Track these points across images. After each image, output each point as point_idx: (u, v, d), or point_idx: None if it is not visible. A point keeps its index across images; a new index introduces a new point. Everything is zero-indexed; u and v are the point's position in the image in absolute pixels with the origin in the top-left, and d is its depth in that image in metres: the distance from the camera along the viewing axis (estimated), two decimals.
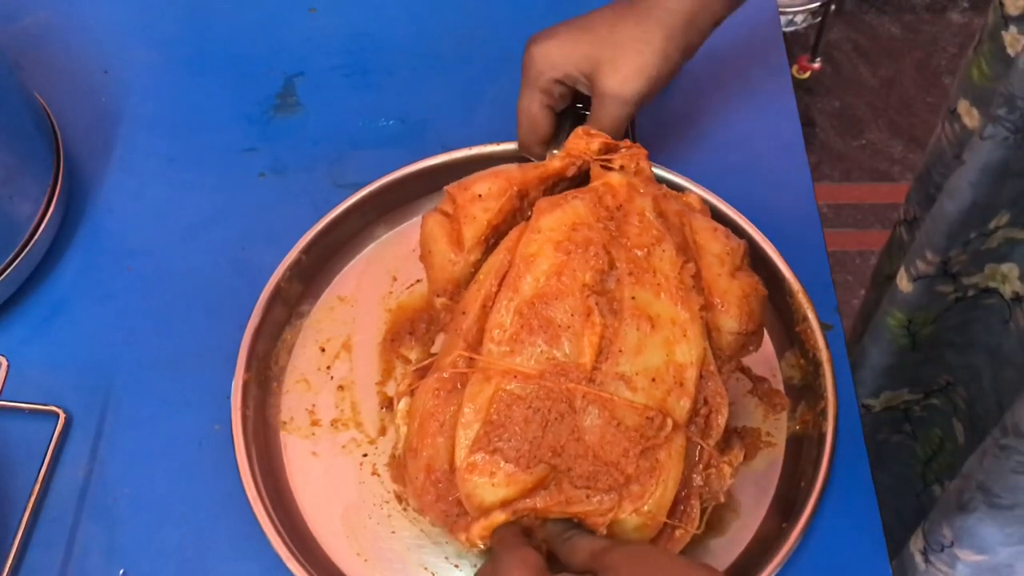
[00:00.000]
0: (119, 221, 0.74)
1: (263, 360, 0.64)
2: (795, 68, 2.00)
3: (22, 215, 0.66)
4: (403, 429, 0.55)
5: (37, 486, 0.59)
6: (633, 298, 0.52)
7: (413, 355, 0.66)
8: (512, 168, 0.60)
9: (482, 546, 0.51)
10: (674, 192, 0.59)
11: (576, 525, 0.50)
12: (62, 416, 0.62)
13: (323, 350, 0.67)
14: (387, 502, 0.60)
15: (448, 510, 0.52)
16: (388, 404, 0.64)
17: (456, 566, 0.58)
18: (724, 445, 0.55)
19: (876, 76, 2.07)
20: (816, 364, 0.62)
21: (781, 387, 0.65)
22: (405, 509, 0.60)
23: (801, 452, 0.61)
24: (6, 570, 0.56)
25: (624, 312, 0.52)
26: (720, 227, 0.58)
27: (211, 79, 0.82)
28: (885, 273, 0.81)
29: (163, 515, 0.60)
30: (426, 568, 0.58)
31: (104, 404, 0.64)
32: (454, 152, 0.71)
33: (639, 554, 0.45)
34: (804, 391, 0.64)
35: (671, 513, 0.51)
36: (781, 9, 1.77)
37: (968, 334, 0.69)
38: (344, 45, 0.84)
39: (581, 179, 0.61)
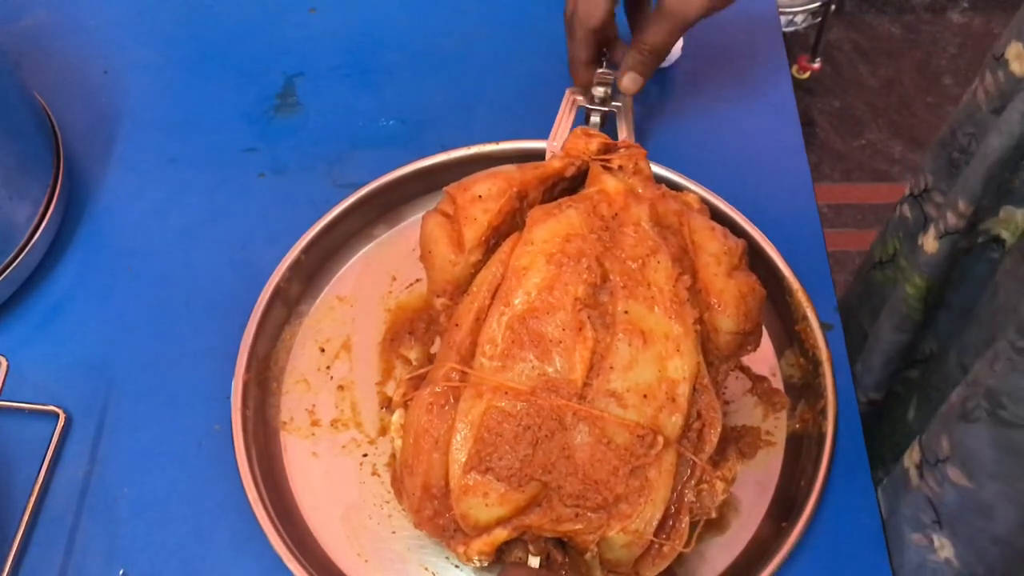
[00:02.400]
0: (119, 221, 0.74)
1: (263, 360, 0.64)
2: (795, 68, 2.00)
3: (22, 215, 0.66)
4: (398, 442, 0.55)
5: (37, 486, 0.59)
6: (626, 312, 0.52)
7: (413, 355, 0.66)
8: (511, 168, 0.60)
9: (478, 563, 0.51)
10: (672, 192, 0.59)
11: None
12: (62, 416, 0.62)
13: (323, 350, 0.67)
14: (387, 502, 0.60)
15: (446, 525, 0.52)
16: (388, 404, 0.64)
17: (456, 566, 0.58)
18: (718, 458, 0.54)
19: (876, 76, 2.07)
20: (816, 363, 0.62)
21: (781, 386, 0.65)
22: (405, 509, 0.60)
23: (801, 451, 0.61)
24: (6, 570, 0.56)
25: (616, 326, 0.51)
26: (718, 226, 0.58)
27: (211, 79, 0.82)
28: (877, 258, 0.77)
29: (163, 515, 0.60)
30: (426, 568, 0.58)
31: (104, 404, 0.64)
32: (453, 152, 0.71)
33: None
34: (804, 390, 0.64)
35: (660, 529, 0.51)
36: (781, 9, 1.77)
37: (963, 293, 0.66)
38: (344, 45, 0.84)
39: (581, 179, 0.61)
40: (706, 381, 0.53)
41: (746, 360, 0.63)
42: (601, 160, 0.59)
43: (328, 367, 0.66)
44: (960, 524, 0.55)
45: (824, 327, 0.64)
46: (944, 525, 0.56)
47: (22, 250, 0.66)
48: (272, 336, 0.66)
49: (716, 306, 0.55)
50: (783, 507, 0.59)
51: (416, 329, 0.66)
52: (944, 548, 0.57)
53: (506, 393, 0.50)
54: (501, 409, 0.50)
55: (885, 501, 0.61)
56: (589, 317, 0.51)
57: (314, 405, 0.64)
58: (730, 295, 0.55)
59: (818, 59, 1.99)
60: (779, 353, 0.66)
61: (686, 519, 0.52)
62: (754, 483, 0.61)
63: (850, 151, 1.96)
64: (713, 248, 0.57)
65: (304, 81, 0.82)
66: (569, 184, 0.61)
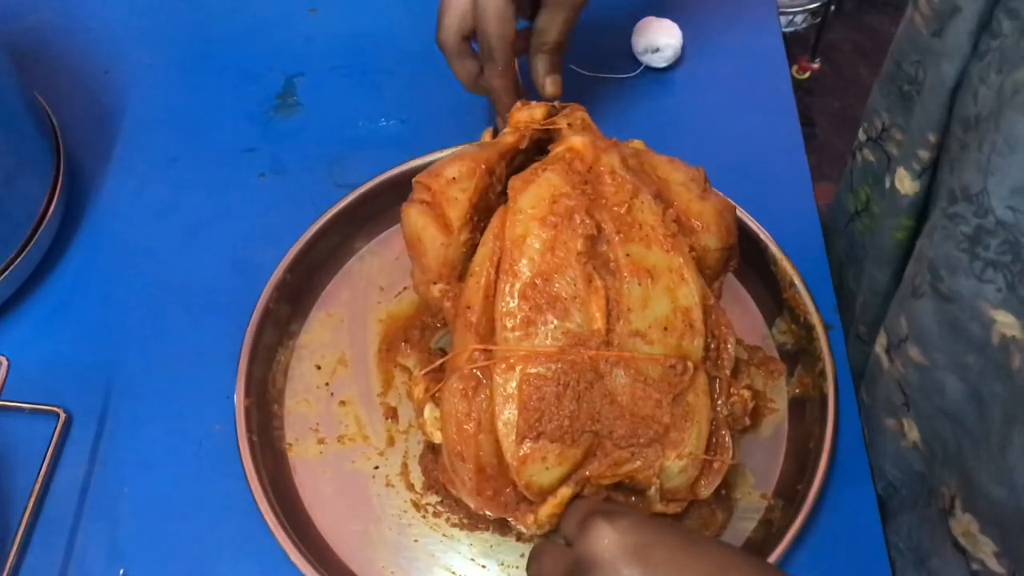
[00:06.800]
0: (119, 221, 0.74)
1: (260, 384, 0.63)
2: (795, 68, 2.00)
3: (22, 215, 0.66)
4: (437, 436, 0.55)
5: (37, 486, 0.59)
6: (627, 255, 0.53)
7: (410, 362, 0.65)
8: (472, 148, 0.60)
9: (549, 527, 0.52)
10: (620, 141, 0.60)
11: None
12: (62, 416, 0.62)
13: (319, 368, 0.66)
14: (405, 512, 0.60)
15: (508, 500, 0.53)
16: (392, 415, 0.64)
17: (483, 567, 0.58)
18: (732, 378, 0.57)
19: (876, 76, 2.07)
20: (808, 327, 0.64)
21: (775, 354, 0.66)
22: (424, 516, 0.60)
23: (804, 414, 0.63)
24: (6, 570, 0.56)
25: (622, 270, 0.53)
26: (675, 158, 0.60)
27: (211, 79, 0.82)
28: (852, 209, 0.74)
29: (163, 515, 0.60)
30: (454, 572, 0.58)
31: (104, 404, 0.64)
32: (419, 158, 0.71)
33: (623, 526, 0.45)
34: (799, 355, 0.65)
35: (707, 448, 0.53)
36: (781, 9, 1.77)
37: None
38: (344, 45, 0.84)
39: (535, 149, 0.61)
40: (711, 300, 0.55)
41: (737, 332, 0.64)
42: (548, 124, 0.60)
43: (327, 384, 0.65)
44: (922, 403, 0.55)
45: (824, 327, 0.64)
46: (911, 407, 0.56)
47: (22, 250, 0.66)
48: (267, 359, 0.65)
49: (699, 228, 0.57)
50: (797, 468, 0.60)
51: (411, 337, 0.66)
52: (912, 431, 0.57)
53: (537, 358, 0.51)
54: (537, 375, 0.50)
55: (867, 395, 0.62)
56: (595, 268, 0.53)
57: (318, 424, 0.64)
58: (709, 215, 0.58)
59: (818, 59, 1.99)
60: (769, 323, 0.67)
61: (726, 432, 0.55)
62: (763, 451, 0.62)
63: (850, 151, 1.96)
64: (679, 177, 0.59)
65: (304, 81, 0.82)
66: (526, 155, 0.62)
